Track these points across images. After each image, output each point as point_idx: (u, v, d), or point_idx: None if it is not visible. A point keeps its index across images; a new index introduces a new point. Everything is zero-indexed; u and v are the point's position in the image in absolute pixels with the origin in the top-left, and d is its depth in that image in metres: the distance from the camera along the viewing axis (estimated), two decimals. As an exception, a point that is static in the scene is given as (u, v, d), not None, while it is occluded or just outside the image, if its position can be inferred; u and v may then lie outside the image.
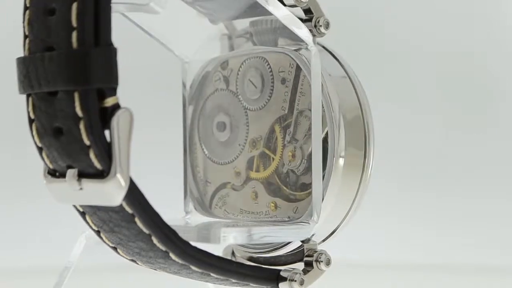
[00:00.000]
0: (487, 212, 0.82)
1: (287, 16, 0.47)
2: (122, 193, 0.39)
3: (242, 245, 0.52)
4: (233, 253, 0.54)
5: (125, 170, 0.39)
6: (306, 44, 0.48)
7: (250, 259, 0.52)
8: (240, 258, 0.53)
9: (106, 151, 0.39)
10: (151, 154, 0.77)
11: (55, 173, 0.41)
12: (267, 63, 0.51)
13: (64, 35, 0.39)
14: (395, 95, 0.84)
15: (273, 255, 0.51)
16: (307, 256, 0.49)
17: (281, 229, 0.48)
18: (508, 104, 0.85)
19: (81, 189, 0.40)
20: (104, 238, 0.44)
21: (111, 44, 0.39)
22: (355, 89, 0.49)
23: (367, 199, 0.79)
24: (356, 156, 0.48)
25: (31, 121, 0.41)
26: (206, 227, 0.49)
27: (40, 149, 0.41)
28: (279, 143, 0.50)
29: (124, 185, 0.39)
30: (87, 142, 0.39)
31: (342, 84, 0.49)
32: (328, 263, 0.48)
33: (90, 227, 0.44)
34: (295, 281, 0.47)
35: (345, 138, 0.48)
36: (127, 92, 0.83)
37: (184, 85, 0.56)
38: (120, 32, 0.53)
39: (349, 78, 0.50)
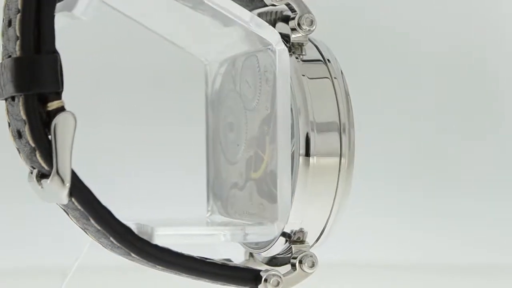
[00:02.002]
0: (486, 212, 0.82)
1: (243, 15, 0.47)
2: (65, 191, 0.42)
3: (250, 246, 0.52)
4: (251, 255, 0.54)
5: (65, 170, 0.41)
6: (271, 44, 0.48)
7: (268, 262, 0.52)
8: (259, 261, 0.53)
9: (49, 153, 0.42)
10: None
11: (32, 173, 0.45)
12: (257, 62, 0.51)
13: (13, 45, 0.42)
14: (393, 95, 0.84)
15: (273, 256, 0.51)
16: (293, 258, 0.49)
17: (251, 229, 0.48)
18: (508, 104, 0.85)
19: (42, 188, 0.43)
20: (88, 234, 0.46)
21: (53, 51, 0.42)
22: (334, 86, 0.49)
23: (366, 199, 0.79)
24: (329, 156, 0.48)
25: (8, 125, 0.45)
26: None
27: (18, 151, 0.45)
28: (267, 143, 0.50)
29: (66, 184, 0.42)
30: (32, 144, 0.42)
31: (318, 83, 0.49)
32: (312, 265, 0.48)
33: (75, 223, 0.46)
34: (269, 282, 0.47)
35: (310, 137, 0.47)
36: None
37: (206, 86, 0.56)
38: (145, 35, 0.54)
39: (330, 75, 0.49)
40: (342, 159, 0.48)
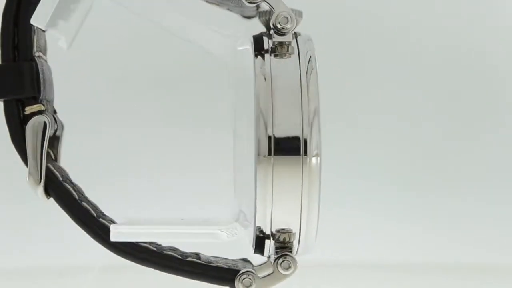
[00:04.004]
0: (486, 212, 0.82)
1: (206, 18, 0.48)
2: (40, 189, 0.45)
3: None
4: (268, 257, 0.53)
5: (37, 170, 0.44)
6: (235, 45, 0.48)
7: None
8: (271, 264, 0.53)
9: (25, 154, 0.45)
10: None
11: None
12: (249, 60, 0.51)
13: None
14: (393, 95, 0.84)
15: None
16: (275, 259, 0.49)
17: (224, 229, 0.49)
18: (508, 104, 0.85)
19: None
20: None
21: (30, 59, 0.45)
22: (301, 83, 0.47)
23: (366, 199, 0.79)
24: (289, 154, 0.46)
25: None
26: None
27: None
28: None
29: (39, 183, 0.45)
30: (13, 145, 0.45)
31: (286, 82, 0.47)
32: (288, 267, 0.48)
33: None
34: (241, 282, 0.48)
35: (265, 137, 0.47)
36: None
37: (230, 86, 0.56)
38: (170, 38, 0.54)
39: (300, 73, 0.48)
40: (304, 157, 0.46)
